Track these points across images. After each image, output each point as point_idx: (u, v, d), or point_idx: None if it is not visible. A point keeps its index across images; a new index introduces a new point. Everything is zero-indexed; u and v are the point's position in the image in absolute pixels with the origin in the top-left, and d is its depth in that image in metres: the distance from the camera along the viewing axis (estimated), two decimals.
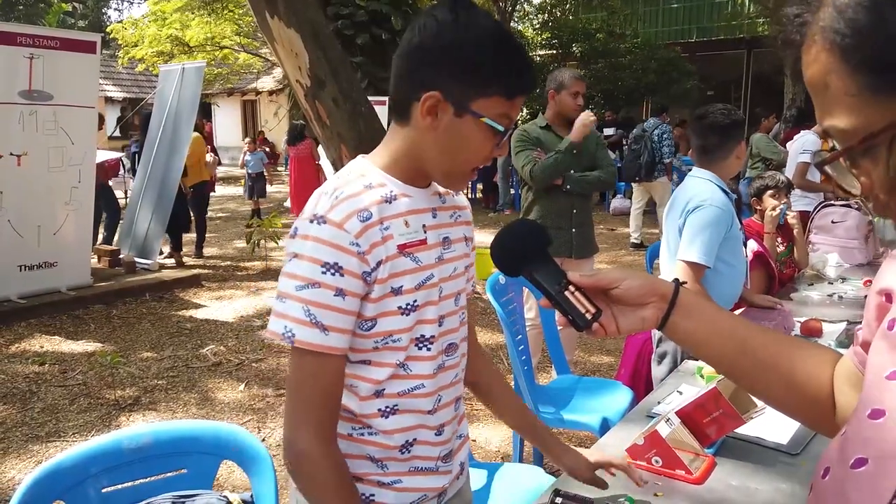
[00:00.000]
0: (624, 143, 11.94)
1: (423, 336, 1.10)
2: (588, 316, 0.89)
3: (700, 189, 2.43)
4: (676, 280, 0.93)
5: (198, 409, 3.86)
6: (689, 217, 2.37)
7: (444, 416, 1.16)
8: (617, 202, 10.94)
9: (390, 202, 1.05)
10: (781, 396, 0.87)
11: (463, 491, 1.29)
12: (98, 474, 1.35)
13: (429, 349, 1.11)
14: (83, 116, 5.82)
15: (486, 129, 1.03)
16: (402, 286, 1.05)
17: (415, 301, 1.07)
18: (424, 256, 1.09)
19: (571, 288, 0.91)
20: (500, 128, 1.03)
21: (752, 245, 2.92)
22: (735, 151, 2.47)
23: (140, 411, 3.83)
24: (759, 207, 3.32)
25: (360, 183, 1.05)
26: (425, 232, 1.10)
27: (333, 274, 0.98)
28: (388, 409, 1.09)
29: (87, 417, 3.74)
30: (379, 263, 1.02)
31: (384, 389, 1.08)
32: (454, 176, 1.10)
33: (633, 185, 8.37)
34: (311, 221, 1.00)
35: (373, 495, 1.11)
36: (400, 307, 1.05)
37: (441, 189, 1.17)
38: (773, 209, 3.25)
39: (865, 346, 0.74)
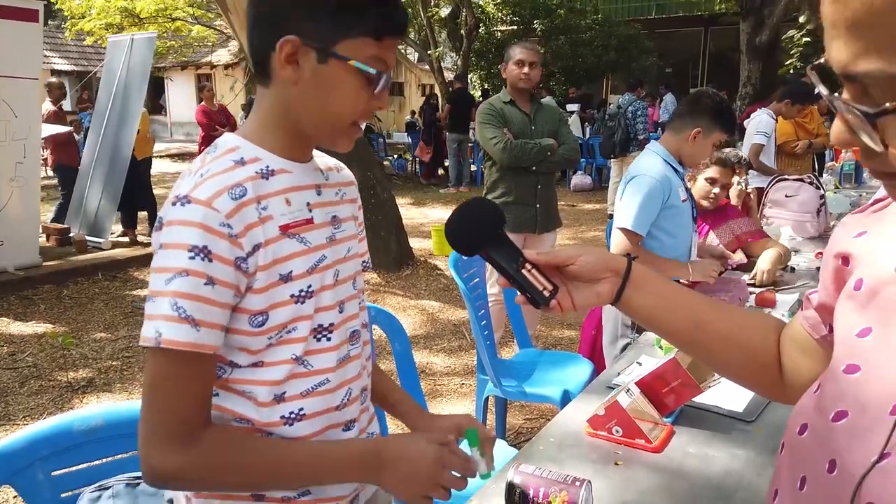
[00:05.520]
0: (586, 121, 12.03)
1: (321, 325, 0.98)
2: (546, 293, 0.90)
3: (642, 162, 2.51)
4: (629, 255, 0.94)
5: None
6: (626, 187, 2.46)
7: (353, 411, 1.06)
8: (577, 179, 11.02)
9: (267, 178, 0.93)
10: (732, 365, 0.89)
11: (378, 495, 1.17)
12: (47, 457, 1.31)
13: (329, 339, 0.99)
14: (26, 88, 5.57)
15: (356, 74, 0.91)
16: (291, 271, 0.94)
17: (309, 287, 0.96)
18: (313, 237, 0.98)
19: (528, 266, 0.91)
20: (373, 70, 0.92)
21: None
22: (688, 133, 2.45)
23: (94, 393, 3.73)
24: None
25: (228, 158, 0.93)
26: (310, 210, 0.98)
27: (203, 259, 0.85)
28: (292, 416, 0.97)
29: (39, 400, 3.64)
30: (256, 247, 0.90)
31: (285, 392, 0.96)
32: (333, 133, 0.97)
33: (612, 160, 8.47)
34: (174, 204, 0.87)
35: None
36: (293, 295, 0.94)
37: (323, 165, 1.06)
38: (739, 184, 3.35)
39: (821, 308, 0.75)
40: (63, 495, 1.31)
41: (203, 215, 0.86)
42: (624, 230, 2.42)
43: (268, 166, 0.95)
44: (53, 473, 1.31)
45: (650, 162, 2.48)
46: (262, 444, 0.96)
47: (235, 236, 0.88)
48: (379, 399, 1.23)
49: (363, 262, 1.15)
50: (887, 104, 0.47)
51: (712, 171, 2.90)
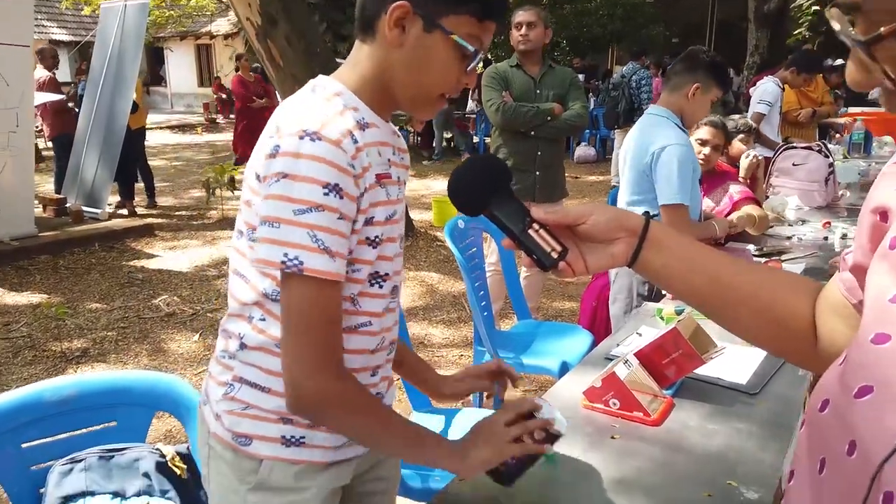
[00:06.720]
0: (591, 92, 11.83)
1: (377, 272, 1.04)
2: (554, 255, 0.84)
3: (660, 130, 2.38)
4: (647, 213, 0.87)
5: (150, 360, 3.74)
6: (659, 159, 2.32)
7: (381, 358, 1.11)
8: (581, 150, 10.88)
9: (364, 129, 0.98)
10: (759, 330, 0.81)
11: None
12: (17, 428, 1.25)
13: (381, 287, 1.05)
14: (18, 56, 5.45)
15: (455, 48, 0.98)
16: (373, 217, 0.99)
17: (381, 234, 1.02)
18: (392, 191, 1.03)
19: (536, 226, 0.85)
20: (471, 48, 0.98)
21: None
22: (687, 89, 2.39)
23: (89, 363, 3.69)
24: (725, 150, 3.29)
25: (339, 102, 0.98)
26: (390, 167, 1.04)
27: (335, 195, 0.91)
28: None
29: (32, 370, 3.60)
30: (365, 190, 0.96)
31: None
32: (421, 101, 1.04)
33: (615, 131, 8.32)
34: (302, 138, 0.90)
35: (303, 437, 1.04)
36: (369, 238, 1.00)
37: (392, 128, 1.10)
38: (747, 156, 3.26)
39: (856, 269, 0.67)
40: (33, 468, 1.26)
41: (335, 154, 0.90)
42: (670, 206, 2.31)
43: (364, 118, 0.99)
44: (23, 446, 1.26)
45: (666, 129, 2.38)
46: (377, 400, 1.07)
47: (357, 176, 0.93)
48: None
49: None
50: (882, 29, 0.44)
51: (703, 132, 2.80)
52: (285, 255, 0.90)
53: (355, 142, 0.93)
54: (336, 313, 0.97)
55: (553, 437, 1.06)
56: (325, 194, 0.90)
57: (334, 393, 0.95)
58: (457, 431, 2.03)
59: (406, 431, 1.03)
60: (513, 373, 1.22)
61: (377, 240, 1.01)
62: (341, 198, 0.91)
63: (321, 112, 0.94)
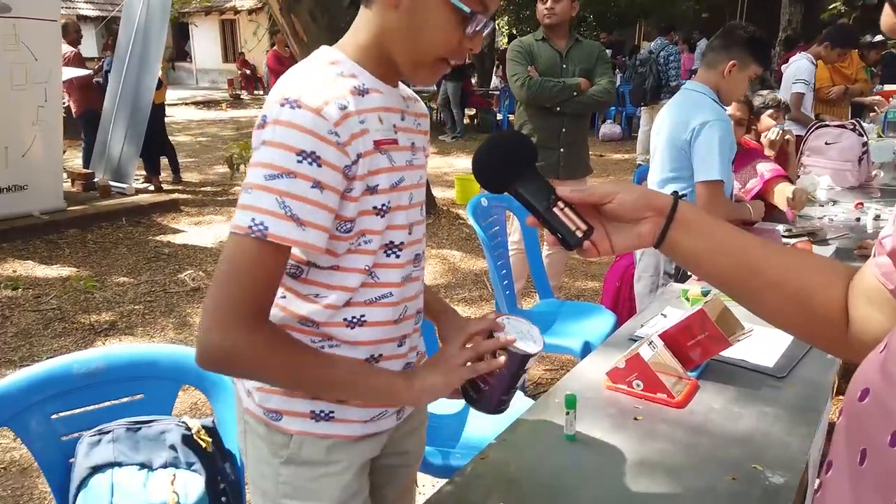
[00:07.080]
0: (617, 68, 11.62)
1: (391, 242, 1.03)
2: (578, 234, 0.82)
3: (699, 106, 2.34)
4: (675, 192, 0.85)
5: (176, 334, 3.80)
6: (699, 135, 2.29)
7: (407, 327, 1.10)
8: (606, 128, 10.72)
9: (363, 95, 0.96)
10: (786, 315, 0.79)
11: (420, 408, 1.24)
12: (46, 400, 1.28)
13: (397, 256, 1.04)
14: (46, 31, 5.49)
15: (452, 10, 0.94)
16: (377, 185, 0.98)
17: (388, 202, 1.00)
18: (397, 157, 1.01)
19: (561, 204, 0.83)
20: (467, 9, 0.94)
21: None
22: (723, 66, 2.34)
23: (116, 336, 3.76)
24: (754, 127, 3.22)
25: (332, 70, 0.97)
26: (396, 132, 1.02)
27: (311, 163, 0.88)
28: (354, 321, 1.02)
29: (62, 342, 3.68)
30: (359, 157, 0.94)
31: (351, 298, 1.01)
32: (420, 65, 1.00)
33: (642, 108, 8.20)
34: (283, 105, 0.89)
35: (332, 412, 1.03)
36: (375, 207, 0.98)
37: (404, 93, 1.09)
38: (775, 133, 3.18)
39: (895, 254, 0.64)
40: (63, 438, 1.29)
41: (313, 122, 0.89)
42: (709, 182, 2.28)
43: (363, 84, 0.98)
44: (53, 417, 1.28)
45: (705, 106, 2.34)
46: (310, 347, 1.00)
47: (342, 144, 0.91)
48: None
49: None
50: None
51: (729, 108, 2.74)
52: (252, 219, 0.87)
53: (343, 108, 0.91)
54: (276, 277, 0.93)
55: (521, 358, 0.98)
56: (299, 162, 0.88)
57: (245, 346, 0.90)
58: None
59: (342, 372, 0.99)
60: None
61: (384, 208, 0.99)
62: (319, 166, 0.89)
63: (307, 80, 0.93)
